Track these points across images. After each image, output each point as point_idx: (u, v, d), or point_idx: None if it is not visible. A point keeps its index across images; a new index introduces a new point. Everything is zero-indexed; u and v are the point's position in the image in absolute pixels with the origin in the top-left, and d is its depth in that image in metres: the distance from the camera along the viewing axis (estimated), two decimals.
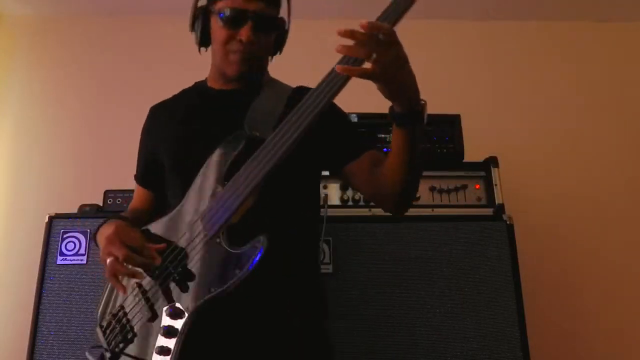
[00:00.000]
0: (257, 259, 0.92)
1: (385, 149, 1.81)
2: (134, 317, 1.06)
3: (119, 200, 1.77)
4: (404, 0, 0.92)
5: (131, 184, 1.78)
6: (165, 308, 1.00)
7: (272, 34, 1.21)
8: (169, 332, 0.96)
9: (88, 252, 1.65)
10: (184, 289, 0.99)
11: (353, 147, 1.20)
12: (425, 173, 1.78)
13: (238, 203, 0.97)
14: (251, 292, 0.97)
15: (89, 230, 1.67)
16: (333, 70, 0.94)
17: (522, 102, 2.57)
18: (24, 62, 2.58)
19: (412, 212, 1.71)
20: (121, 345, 1.05)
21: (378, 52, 0.87)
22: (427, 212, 1.73)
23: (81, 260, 1.64)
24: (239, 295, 0.96)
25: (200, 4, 1.23)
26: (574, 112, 2.57)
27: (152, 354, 0.97)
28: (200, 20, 1.21)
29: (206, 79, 1.32)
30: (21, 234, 2.26)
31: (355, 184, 1.23)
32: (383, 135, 1.82)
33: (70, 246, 1.65)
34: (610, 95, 2.61)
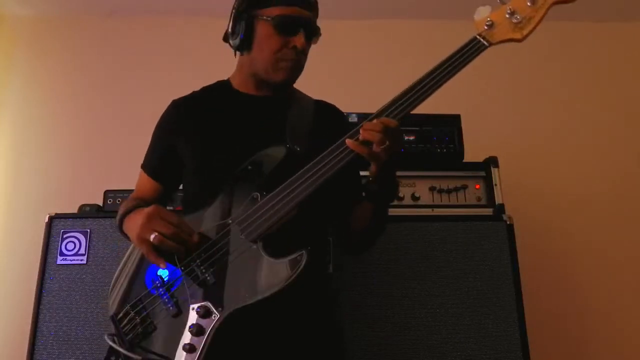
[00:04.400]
0: (298, 272, 0.96)
1: None
2: (155, 310, 1.06)
3: (119, 200, 1.77)
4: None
5: (131, 183, 1.78)
6: (194, 306, 1.01)
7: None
8: (198, 331, 0.98)
9: (88, 252, 1.65)
10: (215, 290, 1.01)
11: (359, 192, 1.26)
12: (425, 173, 1.79)
13: (282, 214, 1.02)
14: (278, 297, 0.99)
15: (89, 230, 1.67)
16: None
17: (522, 102, 2.57)
18: (23, 62, 2.59)
19: (412, 212, 1.75)
20: (140, 338, 1.06)
21: (390, 141, 0.99)
22: (427, 212, 1.74)
23: (81, 260, 1.64)
24: (272, 310, 1.00)
25: (241, 8, 1.20)
26: (574, 112, 2.57)
27: (176, 349, 0.99)
28: (244, 24, 1.18)
29: (229, 79, 1.31)
30: (21, 234, 2.26)
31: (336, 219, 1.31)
32: None
33: (70, 246, 1.65)
34: (610, 95, 2.61)
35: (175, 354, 0.99)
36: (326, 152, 1.03)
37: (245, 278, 1.00)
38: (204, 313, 0.99)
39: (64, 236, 1.66)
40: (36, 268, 1.64)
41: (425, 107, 1.89)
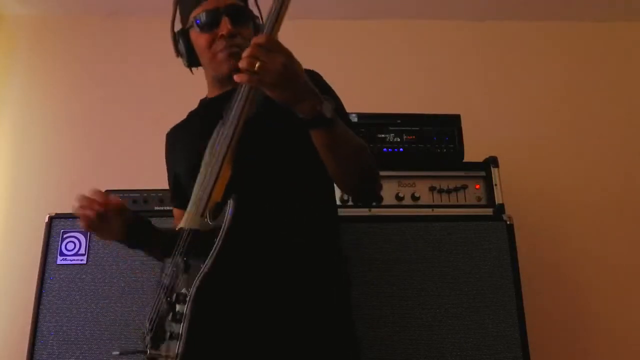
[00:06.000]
0: (227, 223, 0.96)
1: (385, 149, 1.81)
2: (159, 314, 1.08)
3: None
4: (276, 7, 0.95)
5: (131, 183, 1.79)
6: (173, 296, 1.03)
7: (250, 26, 1.23)
8: (178, 318, 0.99)
9: (88, 252, 1.65)
10: (187, 275, 1.03)
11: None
12: (425, 173, 1.79)
13: (212, 181, 1.03)
14: (254, 271, 1.00)
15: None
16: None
17: (522, 102, 2.57)
18: (24, 62, 2.58)
19: (412, 212, 1.75)
20: (149, 343, 1.07)
21: (261, 60, 0.91)
22: (427, 212, 1.73)
23: (81, 260, 1.64)
24: (244, 275, 0.99)
25: (176, 29, 1.27)
26: (574, 112, 2.57)
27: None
28: (182, 42, 1.25)
29: (206, 95, 1.36)
30: (21, 234, 2.26)
31: None
32: (383, 135, 1.82)
33: (70, 246, 1.65)
34: (610, 95, 2.61)
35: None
36: (231, 112, 1.03)
37: (199, 252, 1.01)
38: (180, 299, 1.01)
39: (64, 236, 1.66)
40: (36, 268, 1.64)
41: (425, 107, 1.91)
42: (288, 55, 0.94)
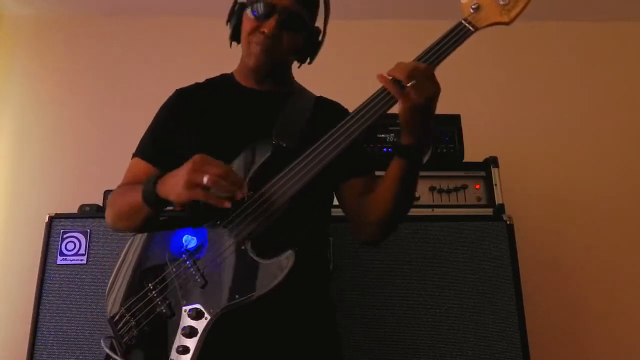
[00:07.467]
0: (287, 272, 0.96)
1: (384, 149, 1.81)
2: (149, 312, 1.05)
3: None
4: (447, 46, 1.05)
5: None
6: (186, 308, 1.01)
7: (300, 35, 1.22)
8: (190, 332, 0.98)
9: (88, 252, 1.65)
10: (206, 291, 1.01)
11: (351, 167, 1.22)
12: (425, 173, 1.78)
13: (269, 214, 1.00)
14: (271, 297, 0.98)
15: (89, 230, 1.67)
16: (369, 100, 1.04)
17: (522, 102, 2.57)
18: (24, 62, 2.59)
19: (412, 212, 1.72)
20: (134, 340, 1.05)
21: (418, 80, 0.95)
22: (427, 212, 1.73)
23: (81, 260, 1.64)
24: (260, 301, 0.98)
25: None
26: (574, 112, 2.57)
27: (171, 351, 0.99)
28: (236, 15, 1.25)
29: (232, 73, 1.33)
30: (21, 234, 2.26)
31: (342, 204, 1.28)
32: (383, 135, 1.82)
33: (70, 246, 1.65)
34: (611, 94, 2.61)
35: (169, 356, 0.99)
36: (319, 141, 1.02)
37: (234, 279, 1.00)
38: (196, 315, 0.99)
39: (64, 236, 1.66)
40: (36, 268, 1.64)
41: None
42: (439, 89, 0.99)
